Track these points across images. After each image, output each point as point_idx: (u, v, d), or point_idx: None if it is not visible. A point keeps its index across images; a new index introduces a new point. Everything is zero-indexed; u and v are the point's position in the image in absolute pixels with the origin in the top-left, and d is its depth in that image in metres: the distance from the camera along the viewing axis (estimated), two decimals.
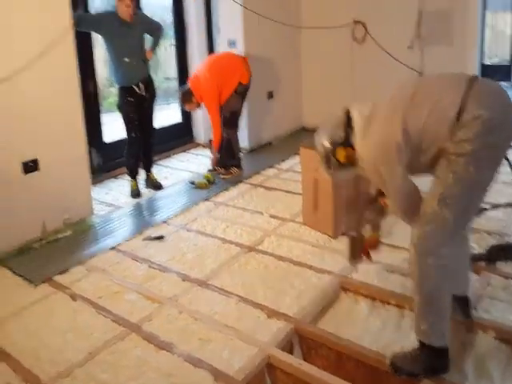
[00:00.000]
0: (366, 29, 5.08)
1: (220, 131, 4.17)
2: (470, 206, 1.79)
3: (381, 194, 2.15)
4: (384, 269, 2.63)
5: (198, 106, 4.23)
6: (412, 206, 1.85)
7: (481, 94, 1.71)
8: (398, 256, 2.75)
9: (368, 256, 2.33)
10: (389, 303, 2.37)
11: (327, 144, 1.94)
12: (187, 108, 4.30)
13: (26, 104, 3.04)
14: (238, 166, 4.38)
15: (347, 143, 1.89)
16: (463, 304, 2.12)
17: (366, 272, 2.62)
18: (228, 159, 4.34)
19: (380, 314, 2.32)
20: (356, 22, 5.12)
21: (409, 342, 2.08)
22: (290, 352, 2.16)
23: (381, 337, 2.17)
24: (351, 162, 1.91)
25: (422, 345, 1.87)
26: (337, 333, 2.17)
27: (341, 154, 1.90)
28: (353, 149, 1.89)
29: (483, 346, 2.06)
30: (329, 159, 1.95)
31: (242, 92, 4.20)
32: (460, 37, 4.61)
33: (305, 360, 2.13)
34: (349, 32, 5.16)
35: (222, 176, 4.30)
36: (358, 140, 1.87)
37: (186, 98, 4.17)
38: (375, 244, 2.33)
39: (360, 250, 2.31)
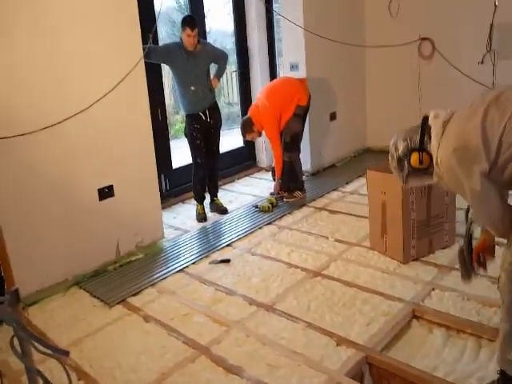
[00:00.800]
0: (433, 45, 4.97)
1: (281, 157, 4.22)
2: None
3: None
4: (459, 296, 2.51)
5: (259, 134, 4.32)
6: (500, 216, 1.70)
7: None
8: (474, 282, 2.60)
9: (481, 265, 1.97)
10: (465, 332, 2.26)
11: (401, 147, 1.88)
12: (249, 137, 4.40)
13: (102, 132, 3.22)
14: (302, 190, 4.38)
15: (422, 148, 1.83)
16: None
17: (440, 300, 2.53)
18: (291, 182, 4.35)
19: (456, 344, 2.22)
20: (423, 39, 5.02)
21: (487, 373, 1.99)
22: (361, 381, 2.10)
23: (457, 368, 2.07)
24: (425, 167, 1.84)
25: (505, 377, 1.76)
26: (410, 362, 2.10)
27: (414, 158, 1.83)
28: (428, 155, 1.82)
29: None
30: (401, 163, 1.88)
31: (300, 114, 4.22)
32: None
33: None
34: (415, 49, 5.08)
35: (286, 199, 4.32)
36: (434, 143, 1.79)
37: (247, 127, 4.27)
38: (488, 248, 1.95)
39: (471, 260, 1.97)
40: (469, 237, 1.97)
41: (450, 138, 1.74)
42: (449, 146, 1.72)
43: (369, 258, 3.11)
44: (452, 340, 2.25)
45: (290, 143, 4.24)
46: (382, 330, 2.33)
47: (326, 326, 2.43)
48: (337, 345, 2.28)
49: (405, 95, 5.25)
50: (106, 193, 3.26)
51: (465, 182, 1.69)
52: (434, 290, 2.62)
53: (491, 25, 4.53)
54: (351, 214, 3.86)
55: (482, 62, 4.64)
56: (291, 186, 4.36)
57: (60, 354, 1.22)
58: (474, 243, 1.97)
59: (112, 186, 3.29)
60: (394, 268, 2.94)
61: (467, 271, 1.98)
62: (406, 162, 1.87)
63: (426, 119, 1.85)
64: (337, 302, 2.64)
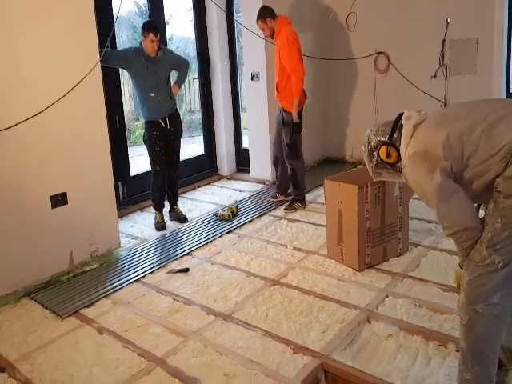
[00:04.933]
0: (388, 59, 5.12)
1: (302, 75, 4.15)
2: None
3: None
4: (412, 303, 2.58)
5: (271, 33, 4.03)
6: (464, 221, 1.70)
7: None
8: (426, 290, 2.71)
9: None
10: (417, 339, 2.31)
11: (373, 139, 1.94)
12: (260, 26, 4.03)
13: (56, 138, 3.14)
14: (302, 201, 4.28)
15: (391, 143, 1.88)
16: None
17: (393, 307, 2.58)
18: (293, 191, 4.30)
19: (408, 350, 2.27)
20: (379, 53, 5.16)
21: (439, 378, 2.04)
22: None
23: (410, 373, 2.11)
24: (392, 162, 1.89)
25: None
26: (364, 369, 2.13)
27: (382, 151, 1.90)
28: (396, 150, 1.87)
29: None
30: (372, 154, 1.94)
31: (301, 113, 4.22)
32: (485, 66, 4.57)
33: None
34: (371, 63, 5.21)
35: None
36: (402, 145, 1.84)
37: (266, 14, 3.98)
38: None
39: None
40: None
41: (415, 142, 1.78)
42: (412, 149, 1.77)
43: (326, 265, 3.15)
44: (405, 346, 2.29)
45: (290, 150, 4.17)
46: (337, 337, 2.36)
47: (283, 333, 2.44)
48: (293, 353, 2.29)
49: (362, 107, 5.37)
50: (58, 200, 3.16)
51: (426, 184, 1.72)
52: (387, 297, 2.68)
53: (443, 40, 4.72)
54: (310, 223, 3.90)
55: (434, 77, 4.82)
56: (293, 195, 4.30)
57: None
58: None
59: (65, 193, 3.20)
60: (350, 276, 2.99)
61: None
62: (375, 154, 1.93)
63: (400, 116, 1.89)
64: (294, 309, 2.66)
